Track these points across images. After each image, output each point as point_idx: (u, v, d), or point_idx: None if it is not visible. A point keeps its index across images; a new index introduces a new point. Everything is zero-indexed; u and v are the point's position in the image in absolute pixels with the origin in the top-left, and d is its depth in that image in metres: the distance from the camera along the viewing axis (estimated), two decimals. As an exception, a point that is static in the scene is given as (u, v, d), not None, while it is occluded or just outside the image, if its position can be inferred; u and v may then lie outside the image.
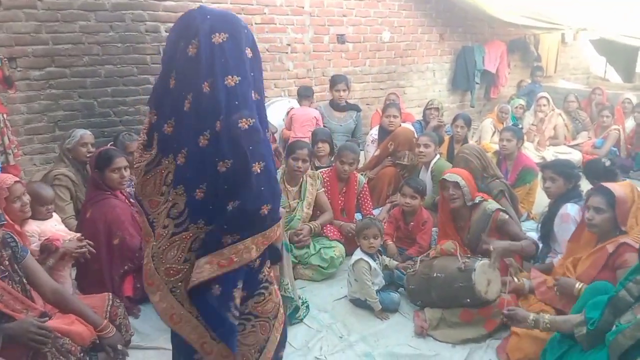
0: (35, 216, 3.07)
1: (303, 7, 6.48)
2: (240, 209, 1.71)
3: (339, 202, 4.29)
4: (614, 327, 2.13)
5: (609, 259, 2.71)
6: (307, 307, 3.36)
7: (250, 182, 1.70)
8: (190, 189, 1.75)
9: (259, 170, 1.71)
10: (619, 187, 2.81)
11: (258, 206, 1.72)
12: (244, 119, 1.70)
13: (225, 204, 1.71)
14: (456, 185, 3.39)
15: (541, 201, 4.33)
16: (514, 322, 2.67)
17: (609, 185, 2.84)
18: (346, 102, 5.74)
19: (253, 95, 1.78)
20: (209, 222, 1.77)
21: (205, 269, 1.73)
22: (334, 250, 3.81)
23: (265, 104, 6.09)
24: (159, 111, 1.83)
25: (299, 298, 3.27)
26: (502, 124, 6.59)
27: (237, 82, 1.72)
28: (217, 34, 1.71)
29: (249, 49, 1.80)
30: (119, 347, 2.66)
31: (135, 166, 1.87)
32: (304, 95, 5.85)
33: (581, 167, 6.11)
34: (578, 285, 2.75)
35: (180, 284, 1.82)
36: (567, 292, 2.80)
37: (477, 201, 3.42)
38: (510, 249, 3.24)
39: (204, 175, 1.74)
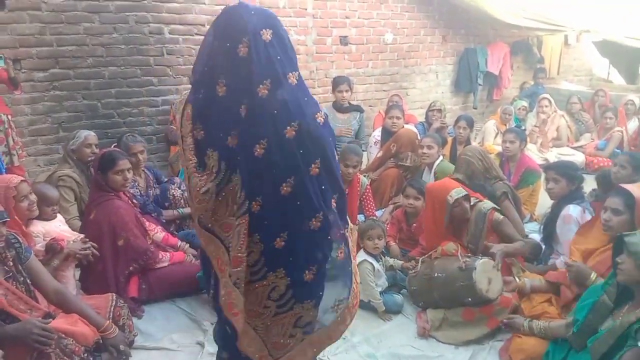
0: (41, 216, 3.08)
1: (306, 9, 6.49)
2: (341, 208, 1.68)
3: (342, 203, 4.28)
4: (598, 332, 2.16)
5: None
6: None
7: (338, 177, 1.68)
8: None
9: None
10: (637, 189, 2.76)
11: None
12: (318, 113, 1.66)
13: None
14: (466, 198, 3.36)
15: (544, 203, 4.33)
16: (512, 329, 2.82)
17: (627, 186, 2.79)
18: (349, 103, 5.74)
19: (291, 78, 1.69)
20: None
21: None
22: (337, 251, 3.79)
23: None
24: (207, 125, 1.66)
25: None
26: (505, 125, 6.59)
27: (298, 77, 1.66)
28: (264, 30, 1.61)
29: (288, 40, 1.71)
30: (122, 347, 2.67)
31: (202, 191, 1.64)
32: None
33: (584, 168, 6.15)
34: (593, 275, 2.72)
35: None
36: (581, 280, 2.77)
37: (472, 202, 3.41)
38: (508, 250, 3.24)
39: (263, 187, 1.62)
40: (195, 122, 1.67)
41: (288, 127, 1.59)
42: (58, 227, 3.20)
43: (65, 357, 2.32)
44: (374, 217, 4.18)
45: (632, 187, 2.77)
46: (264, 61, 1.59)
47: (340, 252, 1.82)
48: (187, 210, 4.19)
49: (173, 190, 4.20)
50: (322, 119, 1.65)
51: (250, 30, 1.59)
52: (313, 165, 1.63)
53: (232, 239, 1.65)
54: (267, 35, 1.61)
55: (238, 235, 1.62)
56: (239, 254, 1.63)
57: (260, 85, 1.57)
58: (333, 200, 1.74)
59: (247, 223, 1.62)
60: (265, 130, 1.58)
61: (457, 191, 3.34)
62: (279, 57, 1.62)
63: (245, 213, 1.62)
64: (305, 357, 1.87)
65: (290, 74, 1.64)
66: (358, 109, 5.83)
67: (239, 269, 1.64)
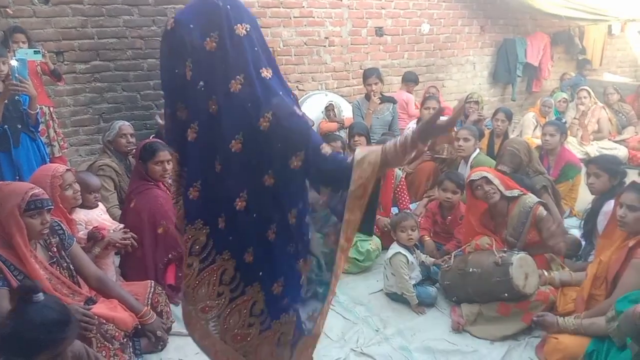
0: (83, 204, 3.17)
1: (341, 0, 6.46)
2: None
3: (376, 196, 4.26)
4: None
5: (628, 254, 2.64)
6: None
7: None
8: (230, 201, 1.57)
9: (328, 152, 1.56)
10: None
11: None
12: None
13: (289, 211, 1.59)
14: (487, 181, 3.32)
15: (584, 197, 4.22)
16: (543, 327, 2.76)
17: None
18: (382, 94, 5.70)
19: (264, 72, 1.56)
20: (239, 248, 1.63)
21: None
22: (370, 243, 3.80)
23: (303, 97, 6.18)
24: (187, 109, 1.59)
25: None
26: (545, 118, 6.43)
27: (271, 73, 1.55)
28: (239, 25, 1.51)
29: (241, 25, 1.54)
30: (159, 333, 2.74)
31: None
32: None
33: (627, 163, 5.96)
34: (562, 320, 2.68)
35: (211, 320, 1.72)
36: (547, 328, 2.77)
37: (516, 194, 3.34)
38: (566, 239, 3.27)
39: (246, 182, 1.57)
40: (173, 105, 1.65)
41: (238, 136, 1.52)
42: (99, 216, 3.29)
43: (105, 342, 2.40)
44: (408, 210, 4.15)
45: None
46: (236, 57, 1.51)
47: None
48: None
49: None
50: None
51: (225, 24, 1.51)
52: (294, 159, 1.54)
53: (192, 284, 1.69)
54: (241, 29, 1.52)
55: (185, 254, 1.66)
56: (186, 270, 1.67)
57: (232, 82, 1.50)
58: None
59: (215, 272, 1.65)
60: (240, 126, 1.52)
61: (477, 174, 3.34)
62: (253, 52, 1.53)
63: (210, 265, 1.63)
64: None
65: (264, 69, 1.54)
66: (391, 99, 5.76)
67: (185, 281, 1.70)
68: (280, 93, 1.55)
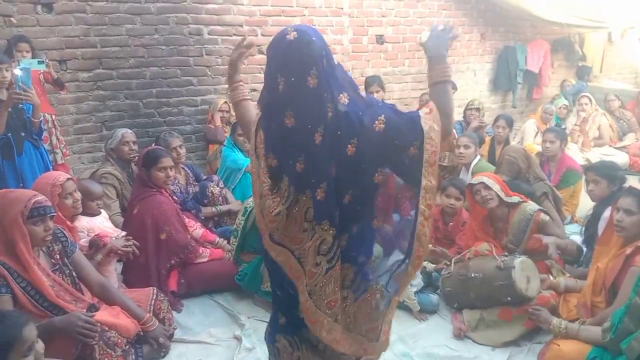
0: (86, 211, 3.19)
1: (342, 8, 6.49)
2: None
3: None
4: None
5: (625, 262, 2.65)
6: None
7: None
8: (334, 221, 1.72)
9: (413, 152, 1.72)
10: None
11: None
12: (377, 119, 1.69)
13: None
14: (485, 186, 3.34)
15: (585, 204, 4.23)
16: (537, 321, 2.83)
17: None
18: (382, 102, 5.71)
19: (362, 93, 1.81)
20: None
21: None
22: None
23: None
24: (279, 154, 1.72)
25: None
26: (546, 124, 6.45)
27: (349, 98, 1.70)
28: (324, 60, 1.66)
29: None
30: (162, 340, 2.76)
31: (274, 213, 1.73)
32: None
33: (628, 169, 5.97)
34: (557, 321, 2.74)
35: (339, 313, 1.82)
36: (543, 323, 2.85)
37: (516, 201, 3.36)
38: (560, 243, 3.24)
39: (355, 182, 1.73)
40: (268, 151, 1.74)
41: (349, 145, 1.67)
42: (102, 224, 3.31)
43: (108, 349, 2.40)
44: (409, 217, 4.14)
45: None
46: (329, 89, 1.66)
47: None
48: (225, 207, 4.27)
49: (212, 188, 4.27)
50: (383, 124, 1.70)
51: (319, 61, 1.65)
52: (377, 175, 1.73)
53: (305, 254, 1.76)
54: (326, 61, 1.67)
55: (313, 252, 1.74)
56: (313, 269, 1.75)
57: (328, 109, 1.65)
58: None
59: (315, 244, 1.74)
60: (335, 151, 1.67)
61: (477, 179, 3.39)
62: (338, 80, 1.70)
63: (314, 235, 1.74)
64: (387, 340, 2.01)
65: (342, 94, 1.69)
66: (393, 108, 5.78)
67: (312, 281, 1.76)
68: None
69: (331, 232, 1.72)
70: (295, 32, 1.66)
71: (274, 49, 1.70)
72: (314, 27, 1.80)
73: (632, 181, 4.25)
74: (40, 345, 1.93)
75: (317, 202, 1.69)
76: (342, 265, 1.77)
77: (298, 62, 1.64)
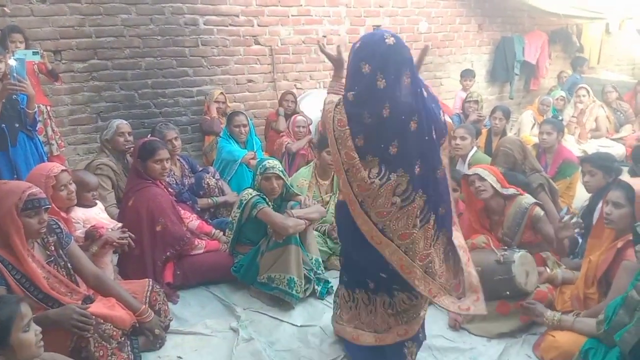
0: (82, 202, 3.17)
1: (339, -2, 6.47)
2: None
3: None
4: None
5: (617, 255, 2.66)
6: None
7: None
8: (428, 190, 2.16)
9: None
10: (638, 182, 2.74)
11: None
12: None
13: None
14: (479, 177, 3.34)
15: (582, 195, 4.23)
16: (531, 314, 2.85)
17: (629, 179, 2.77)
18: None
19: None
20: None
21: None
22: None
23: (301, 96, 6.18)
24: (369, 137, 2.06)
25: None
26: (543, 116, 6.45)
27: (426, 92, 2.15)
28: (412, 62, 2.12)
29: None
30: (157, 331, 2.74)
31: (368, 182, 2.09)
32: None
33: (624, 160, 5.97)
34: (551, 314, 2.76)
35: (411, 245, 2.18)
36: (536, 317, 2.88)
37: (511, 193, 3.35)
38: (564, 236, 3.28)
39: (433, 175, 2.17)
40: (357, 134, 2.05)
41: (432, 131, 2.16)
42: (97, 215, 3.29)
43: (103, 342, 2.38)
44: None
45: (633, 181, 2.75)
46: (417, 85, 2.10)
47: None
48: (221, 199, 4.26)
49: (207, 179, 4.26)
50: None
51: (410, 61, 2.07)
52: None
53: (392, 222, 2.14)
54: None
55: (406, 218, 2.13)
56: (407, 231, 2.14)
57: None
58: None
59: (415, 210, 2.14)
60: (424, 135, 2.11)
61: (472, 170, 3.39)
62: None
63: (412, 203, 2.13)
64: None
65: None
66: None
67: (407, 241, 2.16)
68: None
69: (424, 197, 2.14)
70: (392, 38, 2.06)
71: (372, 50, 2.05)
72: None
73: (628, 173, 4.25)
74: (36, 327, 1.95)
75: (414, 176, 2.10)
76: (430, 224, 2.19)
77: (397, 64, 2.03)
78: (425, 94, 2.10)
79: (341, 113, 2.08)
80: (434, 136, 2.13)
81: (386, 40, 2.03)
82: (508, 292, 2.97)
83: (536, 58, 8.39)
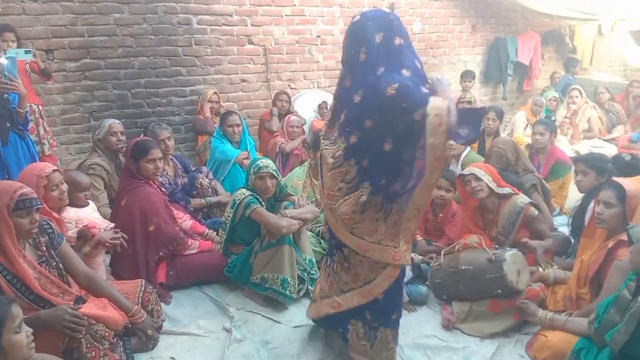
0: (74, 202, 3.15)
1: (333, -1, 6.47)
2: None
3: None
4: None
5: (608, 255, 2.68)
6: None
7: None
8: (361, 161, 2.23)
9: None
10: (630, 182, 2.75)
11: None
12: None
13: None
14: (475, 177, 3.35)
15: (574, 195, 4.25)
16: (524, 314, 2.87)
17: (620, 179, 2.79)
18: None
19: (404, 72, 2.16)
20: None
21: None
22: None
23: (295, 96, 6.18)
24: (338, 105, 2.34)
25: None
26: (536, 117, 6.47)
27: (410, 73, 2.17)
28: (377, 34, 2.15)
29: (398, 37, 2.17)
30: (150, 332, 2.74)
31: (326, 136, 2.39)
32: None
33: (616, 161, 6.00)
34: (542, 313, 2.78)
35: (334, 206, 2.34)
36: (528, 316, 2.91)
37: (507, 192, 3.37)
38: (546, 246, 3.29)
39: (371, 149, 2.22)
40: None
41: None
42: (90, 215, 3.27)
43: (95, 343, 2.37)
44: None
45: (624, 180, 2.77)
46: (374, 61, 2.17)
47: None
48: (214, 199, 4.25)
49: (201, 179, 4.25)
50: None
51: (368, 40, 2.15)
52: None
53: (326, 179, 2.37)
54: (379, 38, 2.14)
55: (333, 179, 2.33)
56: (332, 192, 2.34)
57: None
58: None
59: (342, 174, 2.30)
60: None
61: (468, 169, 3.40)
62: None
63: (340, 167, 2.29)
64: None
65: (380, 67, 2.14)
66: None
67: (331, 201, 2.36)
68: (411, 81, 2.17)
69: (356, 167, 2.23)
70: (358, 17, 2.22)
71: (348, 29, 2.27)
72: (385, 11, 2.24)
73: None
74: (27, 329, 1.93)
75: (349, 145, 2.21)
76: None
77: (355, 40, 2.20)
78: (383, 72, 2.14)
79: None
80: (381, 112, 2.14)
81: (353, 19, 2.26)
82: (500, 291, 2.98)
83: (529, 59, 8.42)
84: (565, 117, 6.80)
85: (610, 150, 6.17)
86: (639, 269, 2.21)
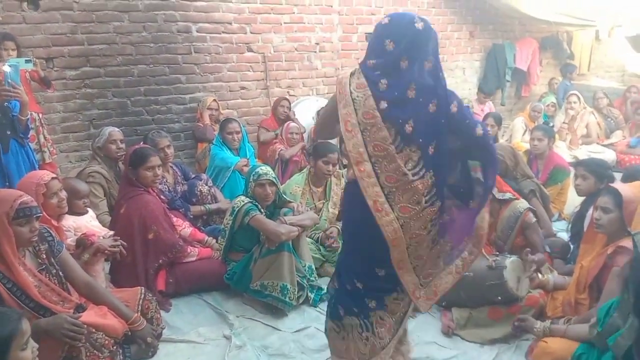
0: (73, 210, 3.16)
1: (332, 6, 6.49)
2: None
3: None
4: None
5: (607, 261, 2.69)
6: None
7: None
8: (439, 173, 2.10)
9: None
10: (627, 188, 2.78)
11: None
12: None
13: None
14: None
15: (573, 201, 4.26)
16: (524, 330, 2.83)
17: (617, 185, 2.81)
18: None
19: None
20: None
21: None
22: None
23: (294, 103, 6.19)
24: (393, 109, 2.05)
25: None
26: (534, 122, 6.49)
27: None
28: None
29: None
30: (149, 339, 2.73)
31: (389, 143, 2.05)
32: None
33: (615, 166, 6.02)
34: (540, 325, 2.74)
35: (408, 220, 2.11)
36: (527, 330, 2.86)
37: (507, 197, 3.37)
38: (539, 263, 3.26)
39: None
40: (380, 98, 2.04)
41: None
42: (89, 223, 3.28)
43: (95, 351, 2.37)
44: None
45: (621, 186, 2.79)
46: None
47: None
48: (214, 206, 4.25)
49: (200, 187, 4.26)
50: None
51: (433, 50, 2.09)
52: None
53: (398, 192, 2.07)
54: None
55: (412, 192, 2.07)
56: (409, 206, 2.08)
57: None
58: None
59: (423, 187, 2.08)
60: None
61: None
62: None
63: (421, 179, 2.08)
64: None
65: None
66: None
67: (406, 215, 2.08)
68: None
69: (434, 179, 2.08)
70: (422, 23, 2.07)
71: (400, 31, 2.06)
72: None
73: (619, 179, 4.28)
74: (33, 344, 1.92)
75: (427, 155, 2.06)
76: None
77: (422, 48, 2.06)
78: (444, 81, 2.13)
79: (359, 78, 2.07)
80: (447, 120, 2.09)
81: (416, 25, 2.06)
82: (500, 298, 2.98)
83: (527, 65, 8.46)
84: (564, 122, 6.82)
85: (608, 156, 6.20)
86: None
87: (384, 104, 2.02)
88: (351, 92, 2.06)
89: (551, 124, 6.60)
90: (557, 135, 5.76)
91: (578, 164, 3.77)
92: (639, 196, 2.74)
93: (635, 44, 9.42)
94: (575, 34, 8.84)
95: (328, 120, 2.31)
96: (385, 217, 2.07)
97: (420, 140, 2.04)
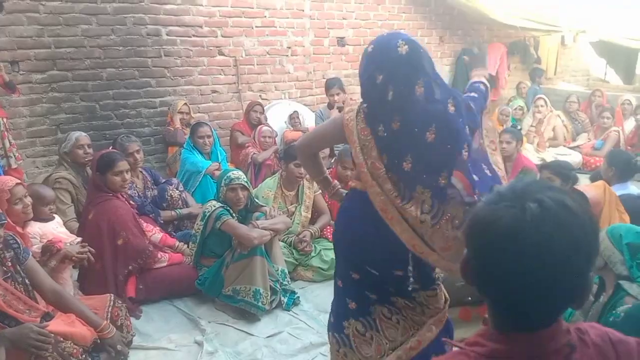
0: (39, 216, 3.10)
1: (303, 10, 6.50)
2: None
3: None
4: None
5: None
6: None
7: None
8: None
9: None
10: (591, 189, 2.85)
11: None
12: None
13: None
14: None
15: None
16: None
17: (581, 187, 2.88)
18: (343, 104, 5.75)
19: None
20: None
21: None
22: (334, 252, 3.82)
23: (266, 107, 6.18)
24: (389, 153, 1.92)
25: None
26: (502, 125, 6.61)
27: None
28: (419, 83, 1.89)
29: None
30: (119, 347, 2.69)
31: (394, 196, 1.92)
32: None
33: (581, 168, 6.18)
34: None
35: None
36: None
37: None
38: None
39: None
40: (380, 149, 1.93)
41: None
42: (55, 229, 3.22)
43: (63, 360, 2.33)
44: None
45: (585, 188, 2.85)
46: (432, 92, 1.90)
47: None
48: (185, 211, 4.21)
49: (171, 191, 4.21)
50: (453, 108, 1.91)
51: (424, 71, 1.89)
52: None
53: (434, 237, 1.93)
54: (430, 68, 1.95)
55: (441, 233, 1.92)
56: (447, 244, 1.94)
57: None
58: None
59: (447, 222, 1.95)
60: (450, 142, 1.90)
61: None
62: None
63: (442, 218, 1.95)
64: None
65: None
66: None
67: (447, 253, 1.93)
68: None
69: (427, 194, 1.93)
70: (406, 46, 1.89)
71: (383, 58, 1.92)
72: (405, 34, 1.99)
73: (583, 180, 4.40)
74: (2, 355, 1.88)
75: (438, 189, 1.91)
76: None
77: (407, 74, 1.87)
78: (451, 105, 1.91)
79: (364, 122, 1.97)
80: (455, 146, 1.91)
81: (398, 49, 1.88)
82: (470, 298, 3.02)
83: (495, 69, 8.60)
84: (532, 125, 6.97)
85: (574, 158, 6.36)
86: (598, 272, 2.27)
87: (384, 155, 1.93)
88: (358, 139, 1.96)
89: (519, 127, 6.74)
90: (525, 138, 5.88)
91: (543, 167, 3.86)
92: (602, 197, 2.82)
93: (598, 49, 9.72)
94: (541, 39, 9.05)
95: (320, 143, 2.29)
96: (431, 256, 1.97)
97: (424, 176, 1.89)
